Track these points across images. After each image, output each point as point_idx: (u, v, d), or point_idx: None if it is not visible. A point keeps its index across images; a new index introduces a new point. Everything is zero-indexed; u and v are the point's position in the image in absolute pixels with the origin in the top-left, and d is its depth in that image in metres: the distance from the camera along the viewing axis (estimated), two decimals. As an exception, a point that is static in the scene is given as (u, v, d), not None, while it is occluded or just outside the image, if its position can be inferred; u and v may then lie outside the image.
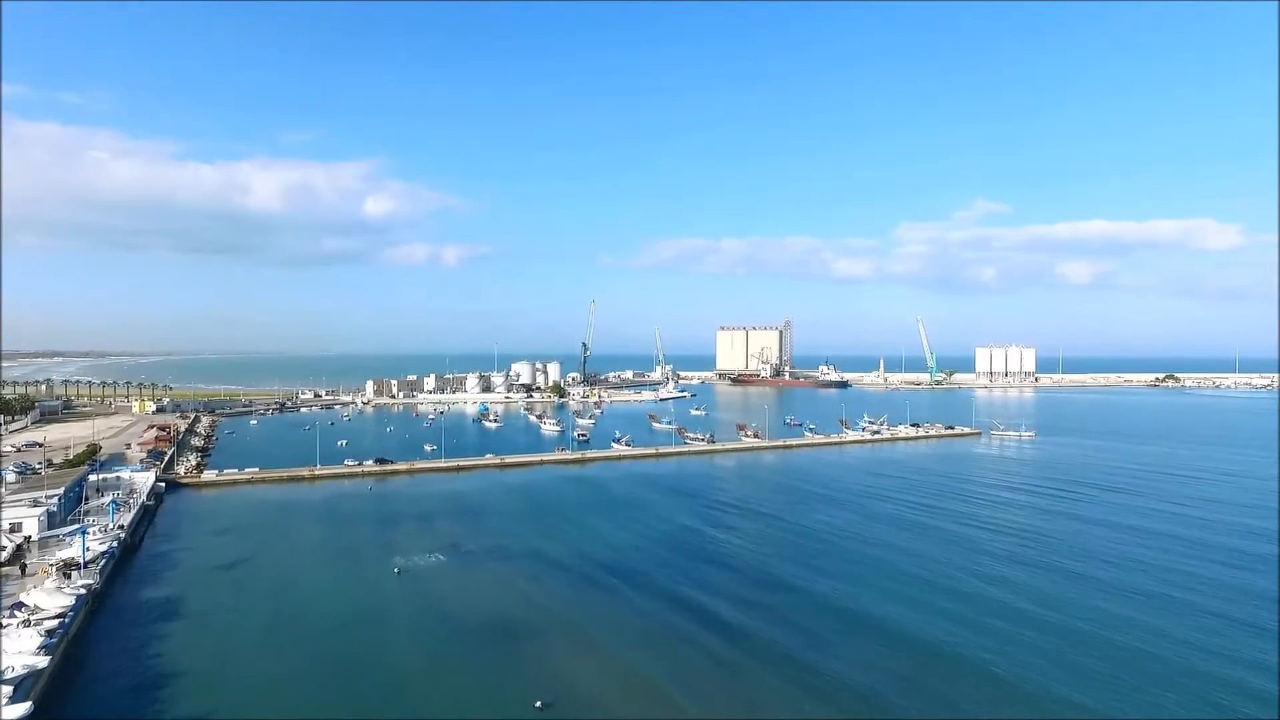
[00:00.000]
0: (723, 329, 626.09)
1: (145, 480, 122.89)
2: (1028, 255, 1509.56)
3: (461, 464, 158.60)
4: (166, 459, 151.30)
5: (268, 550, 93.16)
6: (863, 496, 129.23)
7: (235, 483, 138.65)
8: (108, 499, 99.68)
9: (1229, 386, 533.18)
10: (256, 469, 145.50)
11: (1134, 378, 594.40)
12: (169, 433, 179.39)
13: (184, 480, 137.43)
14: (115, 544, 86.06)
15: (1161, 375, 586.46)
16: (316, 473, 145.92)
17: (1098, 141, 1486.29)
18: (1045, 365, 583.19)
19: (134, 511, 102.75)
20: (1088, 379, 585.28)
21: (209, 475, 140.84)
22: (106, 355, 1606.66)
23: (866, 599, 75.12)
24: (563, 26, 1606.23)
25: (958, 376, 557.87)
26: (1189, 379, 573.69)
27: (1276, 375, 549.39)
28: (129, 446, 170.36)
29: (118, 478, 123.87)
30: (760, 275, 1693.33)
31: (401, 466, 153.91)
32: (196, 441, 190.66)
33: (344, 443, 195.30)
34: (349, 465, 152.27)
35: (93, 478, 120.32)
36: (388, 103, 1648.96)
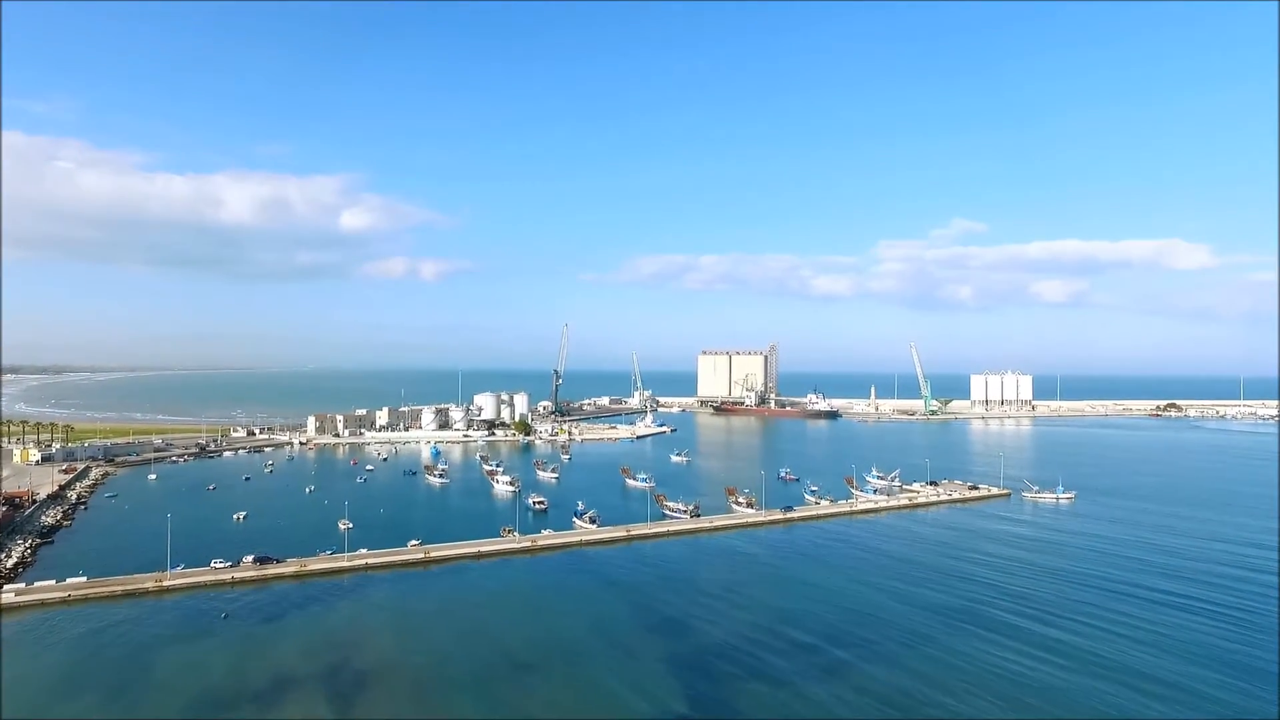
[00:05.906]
0: (705, 353, 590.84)
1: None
2: (1003, 274, 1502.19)
3: (370, 561, 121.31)
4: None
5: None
6: (901, 639, 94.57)
7: (45, 604, 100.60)
8: None
9: (1234, 416, 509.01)
10: (84, 578, 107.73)
11: (1133, 405, 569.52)
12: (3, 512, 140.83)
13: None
14: None
15: (1163, 404, 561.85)
16: (166, 583, 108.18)
17: (1075, 159, 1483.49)
18: (1041, 388, 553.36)
19: None
20: (1085, 406, 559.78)
21: (8, 595, 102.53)
22: (65, 371, 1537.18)
23: None
24: (544, 41, 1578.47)
25: (953, 405, 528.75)
26: (1191, 408, 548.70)
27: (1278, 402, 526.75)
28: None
29: None
30: (740, 292, 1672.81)
31: (288, 568, 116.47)
32: (50, 516, 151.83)
33: (243, 515, 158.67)
34: (216, 567, 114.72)
35: None
36: (364, 116, 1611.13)
